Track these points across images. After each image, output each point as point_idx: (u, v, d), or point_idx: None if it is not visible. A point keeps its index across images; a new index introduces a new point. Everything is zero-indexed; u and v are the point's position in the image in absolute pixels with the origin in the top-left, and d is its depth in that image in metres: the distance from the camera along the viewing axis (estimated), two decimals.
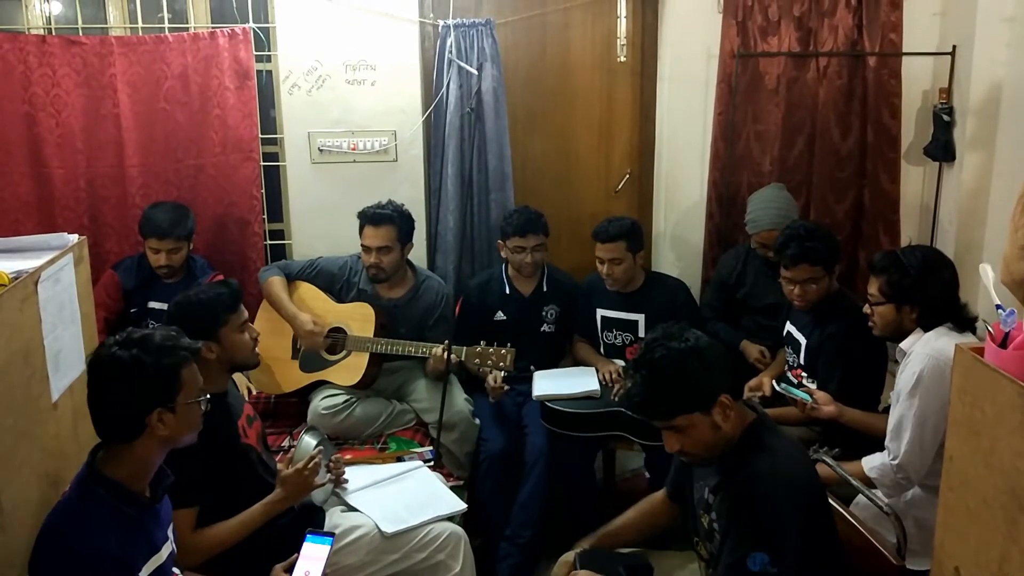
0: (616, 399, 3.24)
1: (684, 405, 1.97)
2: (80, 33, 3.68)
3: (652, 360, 1.97)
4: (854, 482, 2.39)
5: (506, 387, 3.33)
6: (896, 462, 2.51)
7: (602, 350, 3.63)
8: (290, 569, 2.12)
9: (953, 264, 2.69)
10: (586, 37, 4.02)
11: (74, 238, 2.47)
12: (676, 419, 1.98)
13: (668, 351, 1.97)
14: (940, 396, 2.44)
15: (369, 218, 3.43)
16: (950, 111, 3.53)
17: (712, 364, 1.98)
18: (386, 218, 3.42)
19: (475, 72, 3.68)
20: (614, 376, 3.38)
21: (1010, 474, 1.60)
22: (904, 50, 3.63)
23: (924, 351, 2.52)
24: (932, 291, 2.58)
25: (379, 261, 3.41)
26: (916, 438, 2.48)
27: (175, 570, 2.03)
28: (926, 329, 2.60)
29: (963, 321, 2.59)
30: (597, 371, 3.46)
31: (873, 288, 2.70)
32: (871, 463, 2.58)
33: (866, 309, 2.75)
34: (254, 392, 3.52)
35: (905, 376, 2.55)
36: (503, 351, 3.24)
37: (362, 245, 3.45)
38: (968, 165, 3.44)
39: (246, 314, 2.59)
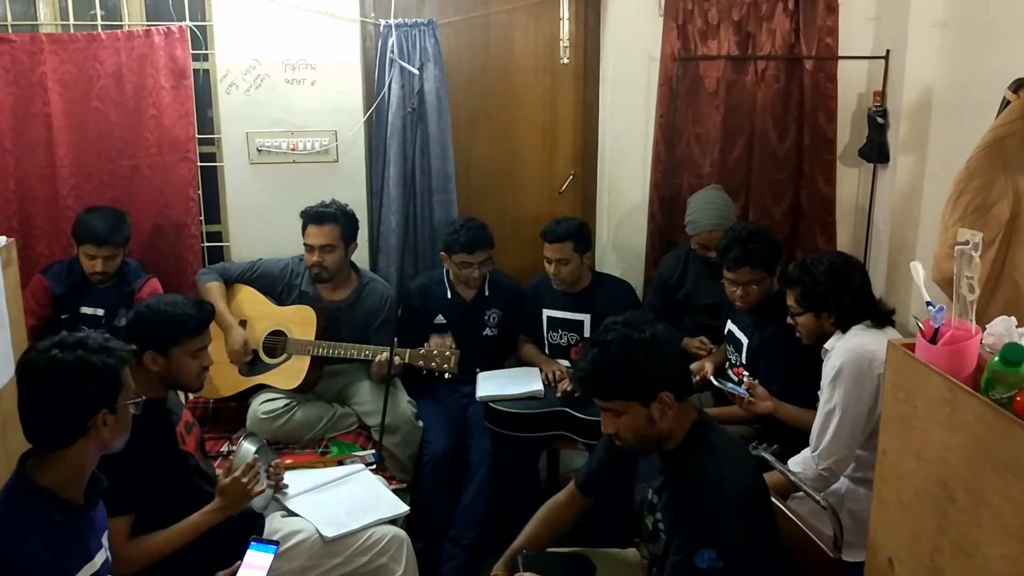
0: (559, 394, 3.27)
1: (622, 391, 2.00)
2: (9, 30, 3.58)
3: (604, 340, 2.01)
4: (791, 477, 2.43)
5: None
6: (818, 454, 2.56)
7: (547, 350, 3.64)
8: None
9: (862, 265, 2.77)
10: (529, 39, 4.02)
11: (2, 240, 2.40)
12: (613, 402, 2.02)
13: (620, 336, 2.00)
14: (858, 389, 2.51)
15: (312, 216, 3.39)
16: (884, 114, 3.60)
17: (661, 360, 2.00)
18: (330, 216, 3.38)
19: (416, 72, 3.65)
20: (558, 376, 3.38)
21: (940, 467, 1.64)
22: (840, 54, 3.69)
23: (843, 346, 2.59)
24: (845, 295, 2.67)
25: (322, 260, 3.37)
26: (836, 430, 2.54)
27: None
28: (845, 330, 2.66)
29: (880, 317, 2.66)
30: (541, 371, 3.46)
31: (790, 300, 2.78)
32: (795, 459, 2.63)
33: (789, 320, 2.81)
34: (192, 396, 3.44)
35: (825, 372, 2.62)
36: (448, 353, 3.23)
37: (305, 244, 3.41)
38: (901, 167, 3.52)
39: (208, 340, 2.53)
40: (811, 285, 2.69)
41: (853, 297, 2.67)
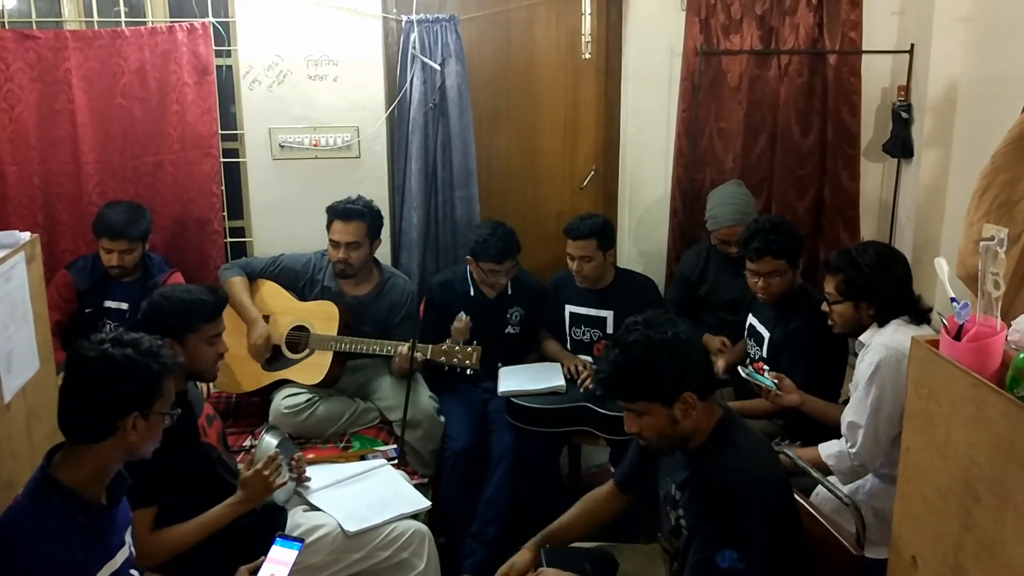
0: (583, 389, 3.28)
1: (645, 393, 1.99)
2: (34, 27, 3.61)
3: (626, 342, 2.00)
4: (815, 474, 2.42)
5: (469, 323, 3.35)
6: (853, 450, 2.54)
7: (569, 346, 3.63)
8: (255, 571, 2.10)
9: (906, 259, 2.73)
10: (551, 34, 4.02)
11: (26, 236, 2.43)
12: (635, 403, 2.01)
13: (643, 337, 1.98)
14: (896, 387, 2.49)
15: (339, 213, 3.40)
16: (908, 108, 3.57)
17: (683, 361, 1.98)
18: (356, 213, 3.39)
19: (438, 68, 3.65)
20: (580, 371, 3.38)
21: (964, 464, 1.62)
22: (864, 48, 3.66)
23: (882, 342, 2.56)
24: (887, 287, 2.63)
25: (348, 256, 3.38)
26: (872, 427, 2.51)
27: (133, 572, 1.99)
28: (882, 324, 2.63)
29: (918, 314, 2.63)
30: (563, 366, 3.46)
31: (830, 287, 2.74)
32: (828, 450, 2.61)
33: (824, 307, 2.78)
34: (213, 391, 3.47)
35: (863, 367, 2.59)
36: (469, 349, 3.23)
37: (330, 240, 3.42)
38: (925, 162, 3.49)
39: (222, 326, 2.54)
40: (854, 274, 2.65)
41: (895, 289, 2.63)
